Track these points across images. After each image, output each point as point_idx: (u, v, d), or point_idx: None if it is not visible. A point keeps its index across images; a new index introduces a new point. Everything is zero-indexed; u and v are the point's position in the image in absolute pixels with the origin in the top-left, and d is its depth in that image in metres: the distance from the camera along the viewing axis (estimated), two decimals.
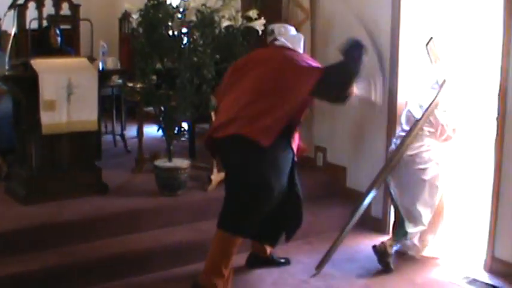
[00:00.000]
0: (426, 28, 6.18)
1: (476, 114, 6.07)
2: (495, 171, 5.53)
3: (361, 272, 5.71)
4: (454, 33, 6.12)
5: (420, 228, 5.78)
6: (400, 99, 6.27)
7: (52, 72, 5.84)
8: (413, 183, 5.73)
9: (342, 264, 5.82)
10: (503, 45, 5.36)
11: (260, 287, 5.44)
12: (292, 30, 5.49)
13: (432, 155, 5.73)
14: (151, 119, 6.84)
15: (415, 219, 5.73)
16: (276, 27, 5.47)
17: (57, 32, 8.58)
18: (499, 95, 5.44)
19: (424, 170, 5.70)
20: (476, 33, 6.08)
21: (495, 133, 5.54)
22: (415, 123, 5.69)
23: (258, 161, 5.00)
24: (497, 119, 5.51)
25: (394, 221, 6.04)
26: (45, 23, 9.17)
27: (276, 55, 5.26)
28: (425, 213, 5.72)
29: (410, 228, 5.76)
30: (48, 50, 8.16)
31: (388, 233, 6.38)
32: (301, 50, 5.41)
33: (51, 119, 5.81)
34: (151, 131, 7.21)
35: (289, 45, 5.32)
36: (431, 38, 5.79)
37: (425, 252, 5.97)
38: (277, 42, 5.36)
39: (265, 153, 4.96)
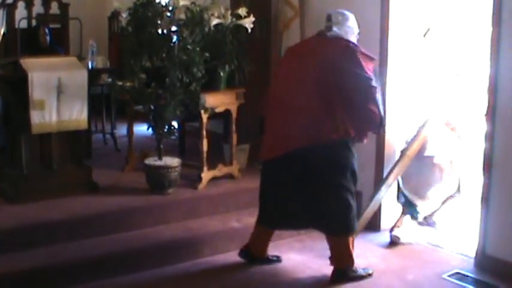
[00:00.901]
0: (415, 26, 6.21)
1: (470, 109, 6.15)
2: (484, 167, 5.55)
3: None
4: (444, 31, 6.14)
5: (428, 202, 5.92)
6: (389, 99, 6.26)
7: (41, 71, 5.84)
8: (422, 168, 5.98)
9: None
10: (491, 43, 5.38)
11: (251, 285, 5.43)
12: (351, 19, 5.38)
13: (439, 143, 5.89)
14: (141, 118, 6.83)
15: (424, 197, 5.97)
16: (334, 14, 5.39)
17: (46, 31, 8.55)
18: (488, 92, 5.47)
19: (432, 157, 5.97)
20: (465, 31, 6.11)
21: (484, 130, 5.56)
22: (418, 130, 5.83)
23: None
24: (485, 115, 5.54)
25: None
26: (34, 22, 9.15)
27: (331, 54, 5.21)
28: (434, 192, 5.95)
29: (419, 203, 5.95)
30: (37, 49, 8.14)
31: (380, 230, 6.41)
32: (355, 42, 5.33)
33: (40, 118, 5.81)
34: (142, 129, 7.20)
35: (343, 35, 5.27)
36: (429, 28, 5.82)
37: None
38: (329, 34, 5.31)
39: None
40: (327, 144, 5.12)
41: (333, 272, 5.42)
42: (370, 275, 5.48)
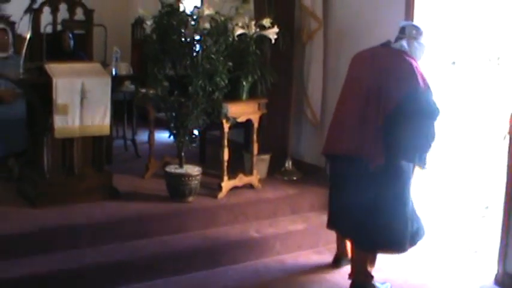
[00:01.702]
0: (440, 27, 6.20)
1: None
2: (507, 185, 5.51)
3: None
4: (467, 37, 6.12)
5: None
6: None
7: (66, 76, 5.87)
8: None
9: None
10: None
11: None
12: (424, 36, 5.33)
13: None
14: (163, 125, 6.85)
15: None
16: (408, 26, 5.40)
17: (70, 36, 8.62)
18: None
19: None
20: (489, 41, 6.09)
21: (507, 149, 5.48)
22: None
23: None
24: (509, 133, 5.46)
25: None
26: (59, 28, 9.23)
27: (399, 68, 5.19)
28: None
29: None
30: (60, 54, 8.20)
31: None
32: (418, 60, 5.28)
33: (63, 123, 5.83)
34: (162, 136, 7.22)
35: (408, 50, 5.25)
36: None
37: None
38: (393, 45, 5.33)
39: None
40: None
41: (351, 285, 5.43)
42: None
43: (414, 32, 5.29)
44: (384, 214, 5.14)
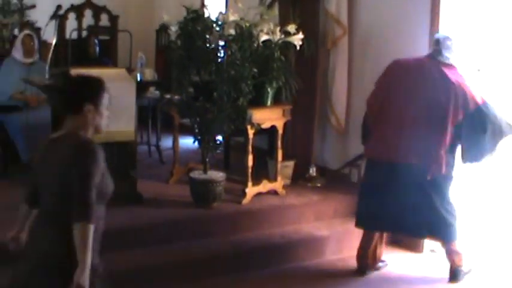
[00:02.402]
0: (465, 36, 6.17)
1: None
2: None
3: None
4: (493, 41, 6.07)
5: None
6: None
7: None
8: None
9: (375, 282, 5.83)
10: None
11: None
12: (457, 45, 5.57)
13: None
14: (187, 131, 6.85)
15: None
16: (442, 39, 5.57)
17: (96, 41, 8.66)
18: None
19: None
20: None
21: None
22: None
23: None
24: None
25: None
26: (85, 34, 9.29)
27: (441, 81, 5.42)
28: None
29: None
30: (86, 60, 8.25)
31: (421, 251, 6.35)
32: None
33: None
34: (187, 142, 7.23)
35: (453, 63, 5.49)
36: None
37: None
38: (441, 59, 5.52)
39: None
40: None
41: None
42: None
43: (449, 43, 5.49)
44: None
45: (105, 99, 3.51)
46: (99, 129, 3.50)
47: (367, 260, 5.87)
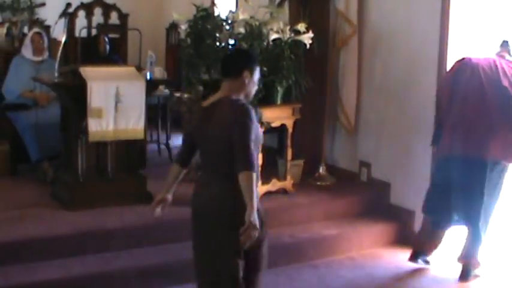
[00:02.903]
0: (474, 36, 6.15)
1: None
2: None
3: None
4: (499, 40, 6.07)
5: None
6: None
7: (100, 80, 5.89)
8: None
9: (384, 281, 5.83)
10: None
11: None
12: None
13: None
14: None
15: None
16: (507, 42, 5.77)
17: (106, 40, 8.66)
18: None
19: None
20: None
21: None
22: None
23: None
24: None
25: None
26: (94, 32, 9.29)
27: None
28: None
29: None
30: (96, 58, 8.24)
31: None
32: None
33: (98, 127, 5.85)
34: None
35: None
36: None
37: None
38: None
39: None
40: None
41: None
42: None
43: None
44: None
45: (258, 71, 4.02)
46: (250, 95, 4.04)
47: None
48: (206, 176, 4.07)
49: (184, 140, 4.27)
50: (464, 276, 5.75)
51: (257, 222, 3.67)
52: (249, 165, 3.74)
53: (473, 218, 5.62)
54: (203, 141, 3.99)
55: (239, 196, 3.73)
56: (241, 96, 3.94)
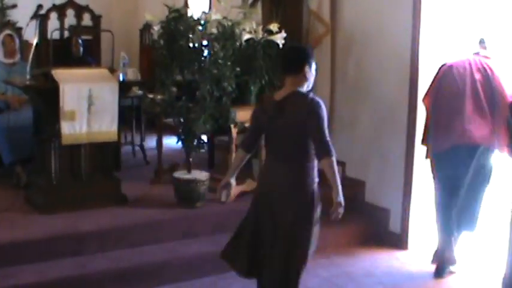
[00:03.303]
0: (447, 36, 6.20)
1: None
2: None
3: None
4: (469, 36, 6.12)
5: None
6: (420, 112, 6.22)
7: (73, 82, 5.86)
8: None
9: (360, 279, 5.80)
10: None
11: None
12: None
13: None
14: (171, 131, 6.83)
15: None
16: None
17: (80, 41, 8.61)
18: None
19: None
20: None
21: None
22: None
23: None
24: None
25: None
26: (67, 34, 9.23)
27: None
28: None
29: None
30: (69, 60, 8.20)
31: (406, 248, 6.37)
32: None
33: (71, 129, 5.83)
34: (171, 142, 7.21)
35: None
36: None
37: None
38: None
39: None
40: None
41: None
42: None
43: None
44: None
45: (314, 63, 4.41)
46: (310, 85, 4.41)
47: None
48: (276, 162, 4.43)
49: (251, 129, 4.65)
50: (439, 272, 5.80)
51: (343, 201, 4.19)
52: (329, 152, 4.21)
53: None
54: (276, 131, 4.38)
55: (308, 176, 4.32)
56: (304, 88, 4.35)
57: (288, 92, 4.33)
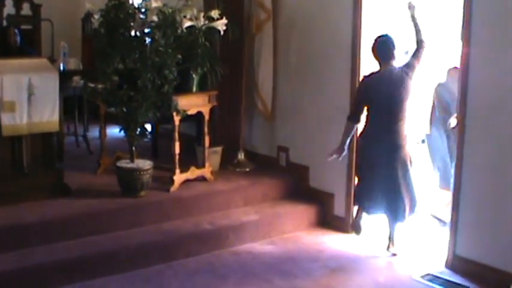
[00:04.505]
0: (386, 26, 6.26)
1: None
2: (456, 167, 5.58)
3: (324, 272, 5.72)
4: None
5: None
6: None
7: (12, 73, 5.78)
8: None
9: (305, 264, 5.84)
10: (462, 45, 5.42)
11: (223, 286, 5.42)
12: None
13: None
14: (114, 120, 6.79)
15: None
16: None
17: (16, 31, 8.48)
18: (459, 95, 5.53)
19: None
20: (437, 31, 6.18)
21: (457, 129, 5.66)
22: None
23: None
24: (456, 117, 5.69)
25: None
26: (5, 23, 9.09)
27: None
28: None
29: None
30: (7, 50, 8.08)
31: (351, 232, 6.44)
32: None
33: (11, 120, 5.75)
34: (115, 131, 7.16)
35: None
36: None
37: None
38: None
39: None
40: None
41: None
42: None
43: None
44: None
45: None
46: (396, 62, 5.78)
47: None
48: (380, 125, 5.73)
49: (357, 103, 5.93)
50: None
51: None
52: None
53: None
54: (380, 99, 5.71)
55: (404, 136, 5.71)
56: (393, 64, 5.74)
57: (384, 69, 5.73)
